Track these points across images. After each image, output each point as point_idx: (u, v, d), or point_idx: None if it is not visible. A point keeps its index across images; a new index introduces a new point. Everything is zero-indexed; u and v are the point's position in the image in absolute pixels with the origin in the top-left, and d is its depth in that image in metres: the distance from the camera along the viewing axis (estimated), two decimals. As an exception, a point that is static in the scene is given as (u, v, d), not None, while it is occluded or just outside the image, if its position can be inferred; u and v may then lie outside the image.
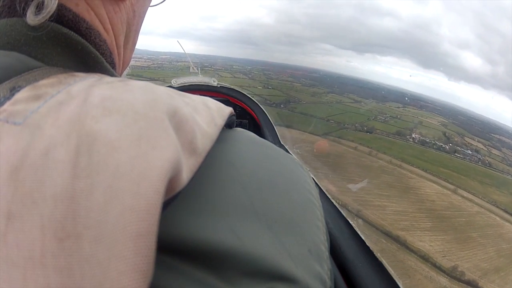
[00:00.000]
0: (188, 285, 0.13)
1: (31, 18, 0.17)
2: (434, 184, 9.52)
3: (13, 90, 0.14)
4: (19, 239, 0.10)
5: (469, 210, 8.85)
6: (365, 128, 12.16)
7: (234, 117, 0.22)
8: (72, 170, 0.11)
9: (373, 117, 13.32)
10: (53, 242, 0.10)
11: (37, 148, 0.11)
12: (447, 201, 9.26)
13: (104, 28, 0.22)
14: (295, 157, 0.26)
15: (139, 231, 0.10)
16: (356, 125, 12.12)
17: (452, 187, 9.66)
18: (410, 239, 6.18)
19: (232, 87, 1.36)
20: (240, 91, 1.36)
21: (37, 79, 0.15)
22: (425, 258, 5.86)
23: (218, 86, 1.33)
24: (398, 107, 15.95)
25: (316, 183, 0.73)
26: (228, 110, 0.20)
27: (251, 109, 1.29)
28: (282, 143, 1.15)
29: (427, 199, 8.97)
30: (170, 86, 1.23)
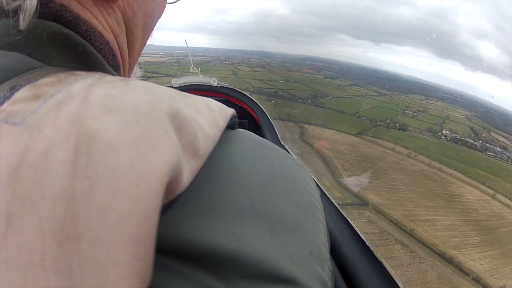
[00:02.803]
0: None
1: (21, 23, 0.17)
2: (474, 190, 9.11)
3: (13, 90, 0.13)
4: (19, 242, 0.10)
5: (509, 218, 8.84)
6: (397, 125, 11.71)
7: (236, 119, 0.22)
8: (71, 171, 0.10)
9: (401, 112, 12.66)
10: (53, 244, 0.10)
11: (36, 149, 0.11)
12: (488, 209, 8.88)
13: (104, 28, 0.22)
14: (296, 158, 0.26)
15: (137, 235, 0.10)
16: (388, 121, 11.42)
17: (491, 191, 9.42)
18: (462, 259, 5.89)
19: (232, 87, 1.31)
20: (240, 91, 1.31)
21: (37, 79, 0.15)
22: (477, 280, 5.67)
23: (218, 86, 1.29)
24: (422, 99, 15.25)
25: (317, 184, 0.68)
26: (230, 111, 0.20)
27: (251, 109, 1.25)
28: (282, 143, 1.09)
29: (471, 208, 8.46)
30: (170, 86, 1.17)
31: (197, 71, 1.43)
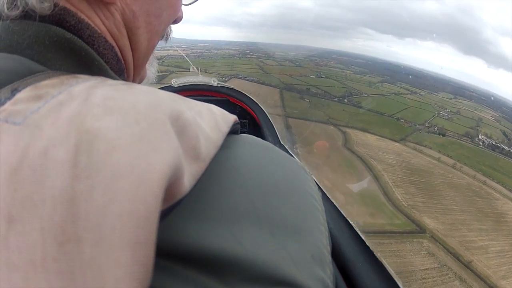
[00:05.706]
0: None
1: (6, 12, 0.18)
2: (516, 206, 8.41)
3: (15, 91, 0.13)
4: (20, 242, 0.10)
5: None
6: (436, 128, 11.05)
7: (239, 125, 0.22)
8: (71, 171, 0.10)
9: (436, 114, 11.97)
10: (54, 245, 0.10)
11: (36, 148, 0.11)
12: (530, 229, 8.19)
13: (104, 32, 0.21)
14: (298, 160, 0.25)
15: (137, 239, 0.10)
16: (427, 124, 10.69)
17: (531, 207, 8.64)
18: (509, 289, 6.25)
19: (231, 87, 1.30)
20: (240, 91, 1.30)
21: (39, 81, 0.15)
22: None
23: (218, 86, 1.27)
24: (450, 98, 14.45)
25: (318, 186, 0.64)
26: (233, 117, 0.20)
27: (251, 109, 1.24)
28: (282, 143, 1.06)
29: (515, 229, 7.82)
30: (170, 86, 1.18)
31: (197, 71, 1.43)
